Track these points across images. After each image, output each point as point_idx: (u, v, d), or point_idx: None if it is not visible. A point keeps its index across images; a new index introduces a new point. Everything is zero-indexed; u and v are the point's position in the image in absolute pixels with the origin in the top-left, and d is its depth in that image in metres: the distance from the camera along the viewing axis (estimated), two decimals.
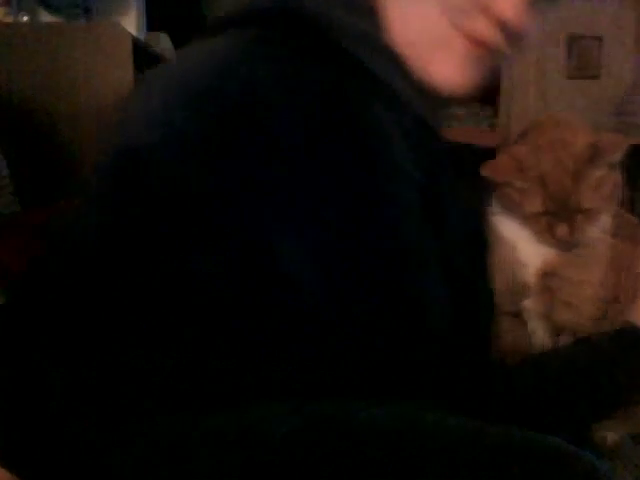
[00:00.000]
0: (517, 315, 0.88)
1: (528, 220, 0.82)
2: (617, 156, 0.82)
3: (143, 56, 2.39)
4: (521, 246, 0.85)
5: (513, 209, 0.83)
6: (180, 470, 0.63)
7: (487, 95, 4.51)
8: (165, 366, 0.66)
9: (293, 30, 0.68)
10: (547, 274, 0.84)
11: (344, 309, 0.65)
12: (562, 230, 0.80)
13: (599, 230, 0.83)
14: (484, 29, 0.72)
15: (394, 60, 0.72)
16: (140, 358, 0.66)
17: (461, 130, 3.72)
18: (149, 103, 0.69)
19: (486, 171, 0.83)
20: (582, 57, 4.55)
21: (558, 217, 0.80)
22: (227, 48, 0.68)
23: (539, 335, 0.87)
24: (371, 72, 0.68)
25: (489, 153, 0.86)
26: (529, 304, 0.86)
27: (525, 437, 0.62)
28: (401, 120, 0.69)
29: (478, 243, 0.85)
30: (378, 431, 0.63)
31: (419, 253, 0.68)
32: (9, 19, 2.50)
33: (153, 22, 3.28)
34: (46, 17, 2.72)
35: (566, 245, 0.81)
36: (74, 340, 0.67)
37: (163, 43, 2.96)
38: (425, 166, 0.71)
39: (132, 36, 2.36)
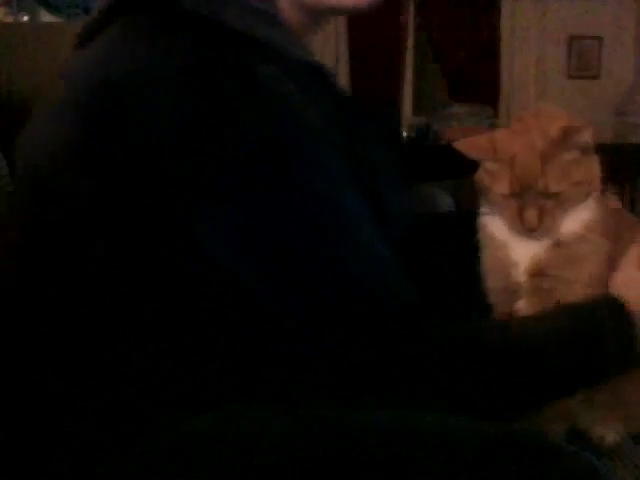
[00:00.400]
0: (511, 316, 0.88)
1: (500, 207, 0.82)
2: (585, 138, 0.80)
3: None
4: (511, 245, 0.85)
5: (485, 194, 0.83)
6: (171, 474, 0.64)
7: (487, 95, 4.52)
8: (115, 364, 0.67)
9: (160, 12, 0.67)
10: (537, 273, 0.84)
11: (280, 281, 0.65)
12: (530, 215, 0.79)
13: (580, 225, 0.82)
14: None
15: (269, 18, 0.72)
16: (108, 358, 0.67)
17: (461, 130, 3.72)
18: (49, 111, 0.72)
19: (460, 146, 0.83)
20: (582, 57, 4.55)
21: (527, 203, 0.80)
22: (110, 41, 0.68)
23: None
24: (248, 35, 0.67)
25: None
26: (523, 304, 0.86)
27: (524, 435, 0.62)
28: (291, 73, 0.68)
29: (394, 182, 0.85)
30: (371, 432, 0.64)
31: (351, 217, 0.68)
32: (9, 19, 2.50)
33: None
34: (46, 17, 2.72)
35: (538, 234, 0.81)
36: (56, 338, 0.67)
37: None
38: (328, 113, 0.70)
39: None
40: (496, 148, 0.82)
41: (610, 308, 0.75)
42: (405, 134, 4.46)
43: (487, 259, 0.88)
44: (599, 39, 4.51)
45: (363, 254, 0.68)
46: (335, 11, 0.81)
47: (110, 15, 0.71)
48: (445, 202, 2.62)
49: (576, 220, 0.82)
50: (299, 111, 0.66)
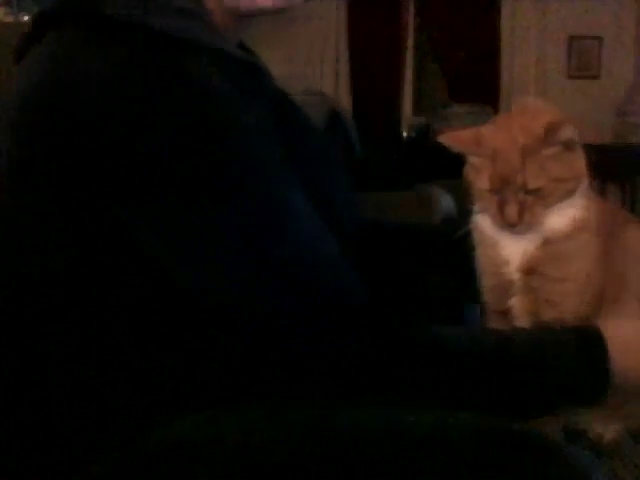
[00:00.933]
0: (505, 314, 0.88)
1: (484, 203, 0.82)
2: (567, 134, 0.80)
3: None
4: (502, 243, 0.85)
5: (471, 189, 0.83)
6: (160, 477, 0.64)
7: (487, 95, 4.52)
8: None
9: (84, 22, 0.67)
10: (528, 271, 0.84)
11: (222, 283, 0.65)
12: (510, 210, 0.79)
13: (568, 223, 0.82)
14: None
15: (197, 17, 0.72)
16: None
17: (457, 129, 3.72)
18: None
19: (445, 139, 0.83)
20: (582, 57, 4.55)
21: (507, 198, 0.79)
22: (48, 54, 0.68)
23: None
24: (175, 36, 0.67)
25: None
26: (515, 303, 0.86)
27: (524, 435, 0.62)
28: (225, 70, 0.68)
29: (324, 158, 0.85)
30: (364, 432, 0.63)
31: (294, 206, 0.68)
32: (9, 19, 2.51)
33: None
34: None
35: (520, 230, 0.80)
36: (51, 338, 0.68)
37: None
38: (264, 108, 0.71)
39: None
40: (480, 142, 0.82)
41: (585, 338, 0.74)
42: (405, 134, 4.46)
43: (480, 257, 0.88)
44: (599, 39, 4.51)
45: (309, 250, 0.68)
46: (250, 13, 0.80)
47: (38, 31, 0.71)
48: (445, 202, 2.62)
49: (564, 218, 0.82)
50: (234, 106, 0.67)
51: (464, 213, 0.89)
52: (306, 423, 0.65)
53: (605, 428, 0.87)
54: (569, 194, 0.81)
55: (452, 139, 0.83)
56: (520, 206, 0.80)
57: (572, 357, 0.72)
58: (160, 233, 0.64)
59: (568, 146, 0.80)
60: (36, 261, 0.67)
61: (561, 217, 0.82)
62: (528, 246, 0.83)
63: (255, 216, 0.65)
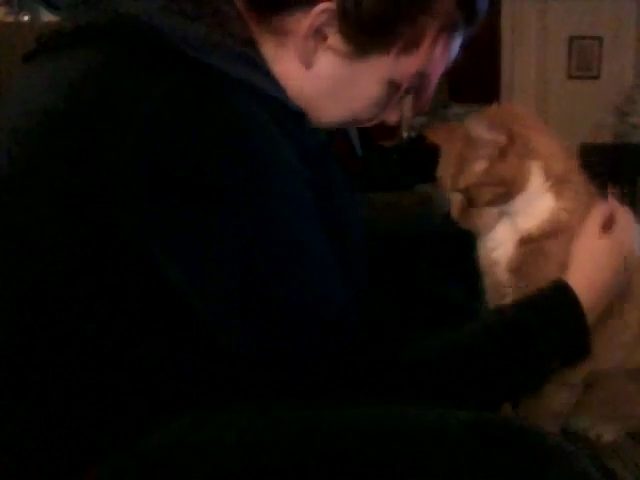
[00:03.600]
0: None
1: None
2: (477, 130, 0.81)
3: None
4: (490, 244, 0.86)
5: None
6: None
7: (487, 95, 4.52)
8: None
9: (135, 41, 0.67)
10: (514, 270, 0.84)
11: (230, 306, 0.65)
12: (452, 207, 0.85)
13: (537, 223, 0.83)
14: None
15: (251, 61, 0.72)
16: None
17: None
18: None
19: (428, 133, 0.86)
20: (582, 57, 4.55)
21: (451, 196, 0.85)
22: (81, 70, 0.68)
23: None
24: (231, 76, 0.68)
25: None
26: (507, 303, 0.86)
27: (524, 435, 0.62)
28: (278, 118, 0.69)
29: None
30: (354, 431, 0.63)
31: (312, 249, 0.69)
32: (10, 18, 2.50)
33: None
34: (47, 16, 2.72)
35: (465, 226, 0.86)
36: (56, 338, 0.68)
37: None
38: (309, 159, 0.71)
39: None
40: (451, 138, 0.85)
41: (559, 300, 0.78)
42: (405, 134, 4.46)
43: (479, 258, 0.89)
44: (599, 39, 4.51)
45: (313, 300, 0.69)
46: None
47: (73, 37, 0.71)
48: (445, 202, 2.62)
49: (535, 218, 0.83)
50: (272, 140, 0.67)
51: None
52: (301, 421, 0.65)
53: (605, 428, 0.87)
54: (502, 198, 0.82)
55: (432, 133, 0.86)
56: (460, 205, 0.83)
57: (552, 327, 0.76)
58: (181, 256, 0.65)
59: (502, 153, 0.80)
60: (36, 263, 0.67)
61: (531, 217, 0.83)
62: (509, 246, 0.84)
63: (270, 254, 0.66)
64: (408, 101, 0.87)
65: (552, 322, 0.76)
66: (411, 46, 0.76)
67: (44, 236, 0.66)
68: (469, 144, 0.82)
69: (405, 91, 0.80)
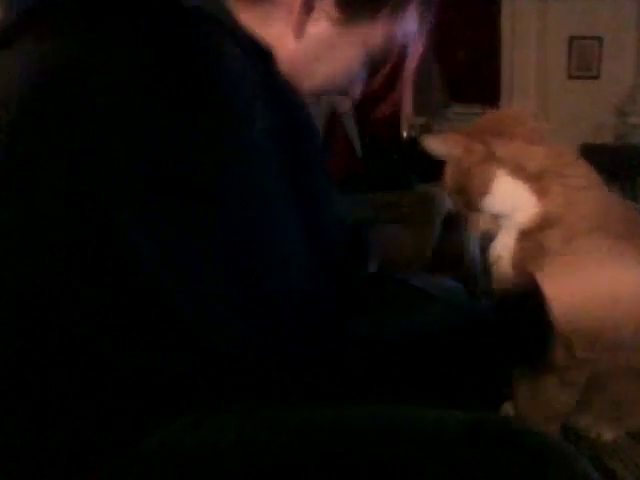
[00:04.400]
0: None
1: None
2: (431, 146, 0.89)
3: None
4: (498, 240, 0.88)
5: None
6: None
7: (487, 95, 4.51)
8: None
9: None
10: (516, 267, 0.85)
11: (202, 294, 0.64)
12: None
13: (528, 217, 0.85)
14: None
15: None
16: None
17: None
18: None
19: (425, 141, 0.90)
20: (582, 57, 4.55)
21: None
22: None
23: None
24: (206, 14, 0.66)
25: None
26: None
27: (524, 435, 0.62)
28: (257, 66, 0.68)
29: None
30: (350, 430, 0.63)
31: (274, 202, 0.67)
32: None
33: None
34: None
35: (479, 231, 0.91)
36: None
37: None
38: (279, 103, 0.69)
39: None
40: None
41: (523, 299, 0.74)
42: (405, 134, 4.46)
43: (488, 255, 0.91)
44: (599, 39, 4.51)
45: (283, 271, 0.68)
46: None
47: (40, 12, 0.69)
48: (445, 202, 2.62)
49: (525, 213, 0.85)
50: (251, 122, 0.66)
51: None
52: (299, 421, 0.65)
53: (605, 428, 0.87)
54: (470, 205, 0.88)
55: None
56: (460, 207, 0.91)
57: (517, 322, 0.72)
58: (148, 234, 0.64)
59: (459, 164, 0.87)
60: (25, 260, 0.66)
61: (523, 213, 0.84)
62: (509, 241, 0.85)
63: (239, 234, 0.65)
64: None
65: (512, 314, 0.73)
66: (396, 12, 0.79)
67: (29, 233, 0.66)
68: (449, 154, 0.90)
69: (378, 62, 0.84)
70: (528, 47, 4.50)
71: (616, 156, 3.96)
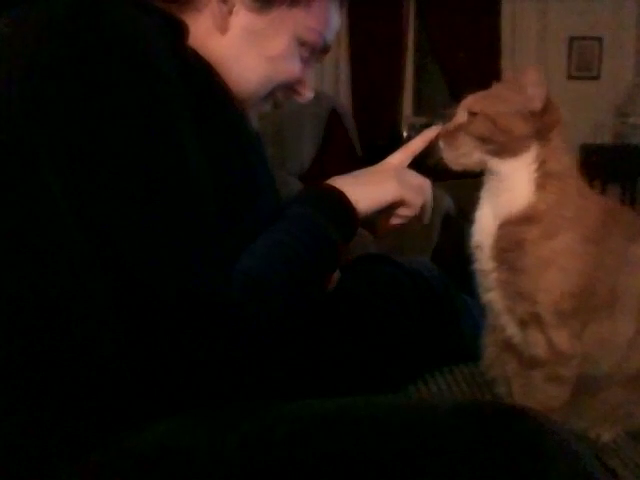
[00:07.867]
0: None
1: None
2: (531, 78, 0.94)
3: None
4: (476, 226, 0.87)
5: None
6: None
7: None
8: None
9: None
10: (496, 258, 0.84)
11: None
12: (447, 125, 0.98)
13: (518, 206, 0.83)
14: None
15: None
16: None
17: None
18: None
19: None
20: (582, 57, 4.55)
21: None
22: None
23: (510, 331, 0.86)
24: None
25: None
26: (492, 297, 0.86)
27: (524, 435, 0.62)
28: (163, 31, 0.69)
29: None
30: (353, 428, 0.63)
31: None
32: None
33: None
34: None
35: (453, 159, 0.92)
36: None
37: None
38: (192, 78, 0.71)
39: None
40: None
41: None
42: (405, 134, 4.46)
43: (468, 244, 0.90)
44: (599, 39, 4.52)
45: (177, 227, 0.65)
46: None
47: None
48: (445, 202, 2.62)
49: (514, 202, 0.84)
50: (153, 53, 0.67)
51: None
52: (291, 419, 0.65)
53: (604, 428, 0.87)
54: (493, 147, 0.86)
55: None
56: (456, 127, 0.98)
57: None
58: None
59: (525, 114, 0.91)
60: None
61: (511, 201, 0.84)
62: (492, 226, 0.84)
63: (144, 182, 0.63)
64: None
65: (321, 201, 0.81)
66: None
67: None
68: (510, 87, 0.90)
69: (311, 52, 0.86)
70: (528, 47, 4.50)
71: (616, 156, 3.97)
